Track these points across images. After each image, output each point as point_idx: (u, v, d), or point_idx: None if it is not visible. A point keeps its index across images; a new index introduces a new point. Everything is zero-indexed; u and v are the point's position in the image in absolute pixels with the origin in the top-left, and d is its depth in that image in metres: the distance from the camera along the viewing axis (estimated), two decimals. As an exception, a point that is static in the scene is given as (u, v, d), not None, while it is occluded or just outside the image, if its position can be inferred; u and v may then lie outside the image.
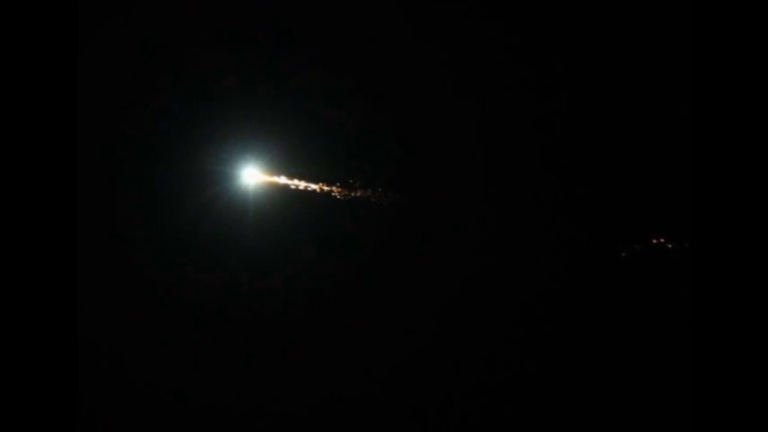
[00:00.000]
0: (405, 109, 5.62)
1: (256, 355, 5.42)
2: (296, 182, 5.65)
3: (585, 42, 5.40)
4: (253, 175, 5.62)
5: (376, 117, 5.62)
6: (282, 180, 5.65)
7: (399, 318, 5.52)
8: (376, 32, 5.58)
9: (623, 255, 5.42)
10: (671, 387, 4.88)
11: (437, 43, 5.55)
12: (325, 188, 5.66)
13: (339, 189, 5.65)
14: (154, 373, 5.27)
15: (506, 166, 5.60)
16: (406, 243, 5.63)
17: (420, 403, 5.30)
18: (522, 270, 5.52)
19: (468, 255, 5.60)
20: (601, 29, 5.39)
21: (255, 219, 5.58)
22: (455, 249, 5.62)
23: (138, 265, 5.44)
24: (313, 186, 5.67)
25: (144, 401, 5.20)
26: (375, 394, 5.30)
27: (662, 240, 5.29)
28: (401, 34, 5.57)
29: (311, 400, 5.30)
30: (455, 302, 5.53)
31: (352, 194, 5.63)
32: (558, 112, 5.48)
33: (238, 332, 5.46)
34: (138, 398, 5.20)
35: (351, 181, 5.67)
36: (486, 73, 5.57)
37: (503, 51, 5.53)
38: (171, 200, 5.50)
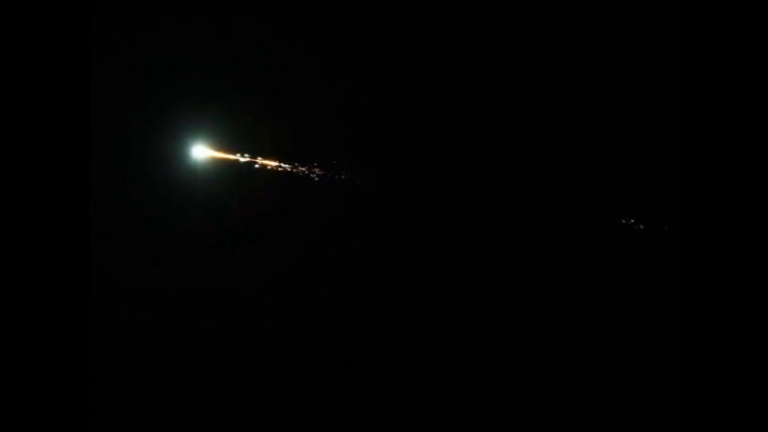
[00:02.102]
0: (399, 89, 5.44)
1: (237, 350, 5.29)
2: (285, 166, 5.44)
3: (558, 38, 5.25)
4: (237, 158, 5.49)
5: (367, 99, 5.42)
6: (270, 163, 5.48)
7: (385, 313, 5.37)
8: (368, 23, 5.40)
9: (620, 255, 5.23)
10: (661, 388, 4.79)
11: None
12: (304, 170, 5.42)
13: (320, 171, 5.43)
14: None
15: (501, 161, 5.43)
16: (395, 235, 5.46)
17: (414, 403, 5.15)
18: (516, 268, 5.37)
19: (461, 251, 5.43)
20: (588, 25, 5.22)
21: (239, 203, 5.48)
22: (446, 244, 5.45)
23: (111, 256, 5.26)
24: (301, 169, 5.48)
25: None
26: (366, 392, 5.18)
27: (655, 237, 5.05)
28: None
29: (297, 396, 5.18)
30: (446, 299, 5.37)
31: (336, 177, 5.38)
32: (552, 108, 5.31)
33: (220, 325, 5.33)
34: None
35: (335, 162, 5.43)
36: (478, 65, 5.39)
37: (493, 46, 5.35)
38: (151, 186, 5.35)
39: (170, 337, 5.26)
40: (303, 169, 5.47)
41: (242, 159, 5.47)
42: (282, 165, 5.47)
